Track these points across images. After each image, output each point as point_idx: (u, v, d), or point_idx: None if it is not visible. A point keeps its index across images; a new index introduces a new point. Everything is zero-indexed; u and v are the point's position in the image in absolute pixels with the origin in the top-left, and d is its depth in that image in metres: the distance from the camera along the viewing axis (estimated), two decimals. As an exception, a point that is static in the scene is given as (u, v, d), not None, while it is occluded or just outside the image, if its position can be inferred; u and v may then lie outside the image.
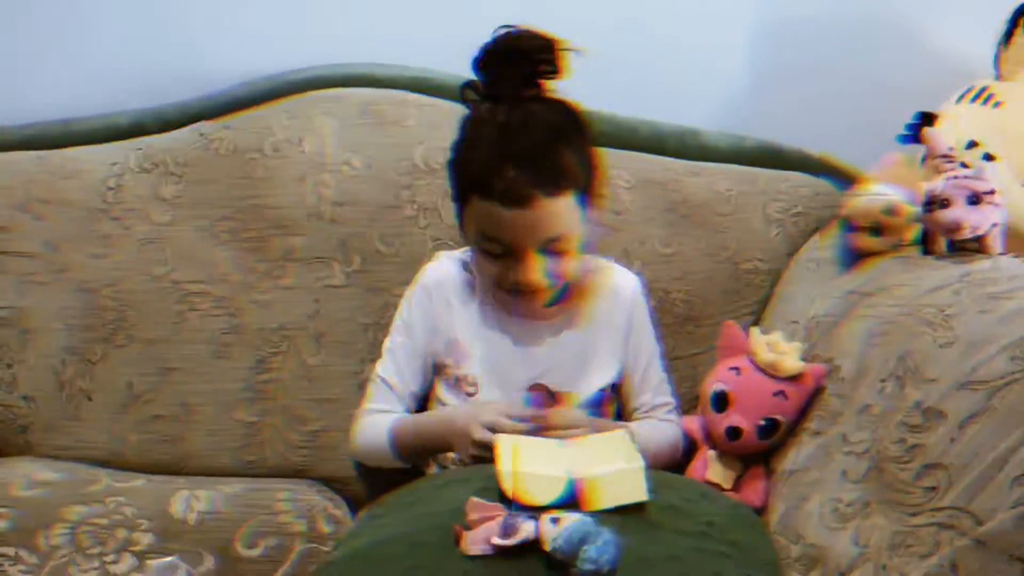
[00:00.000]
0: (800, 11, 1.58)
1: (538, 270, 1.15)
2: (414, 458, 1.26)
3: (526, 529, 0.87)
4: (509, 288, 1.18)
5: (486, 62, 1.13)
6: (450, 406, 1.25)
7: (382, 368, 1.28)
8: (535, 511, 0.90)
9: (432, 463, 1.27)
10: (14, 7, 1.57)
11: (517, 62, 1.12)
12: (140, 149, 1.49)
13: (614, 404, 1.30)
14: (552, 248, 1.15)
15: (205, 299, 1.44)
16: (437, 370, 1.28)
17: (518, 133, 1.11)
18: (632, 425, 1.25)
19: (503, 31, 1.13)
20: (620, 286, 1.29)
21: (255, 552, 1.20)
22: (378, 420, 1.26)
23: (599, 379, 1.27)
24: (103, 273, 1.44)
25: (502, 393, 1.23)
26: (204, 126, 1.50)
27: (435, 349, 1.27)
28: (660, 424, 1.28)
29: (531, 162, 1.10)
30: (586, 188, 1.17)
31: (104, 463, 1.40)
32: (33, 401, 1.42)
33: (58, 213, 1.46)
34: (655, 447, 1.22)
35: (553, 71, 1.14)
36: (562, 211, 1.13)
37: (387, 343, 1.30)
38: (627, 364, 1.29)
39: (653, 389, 1.29)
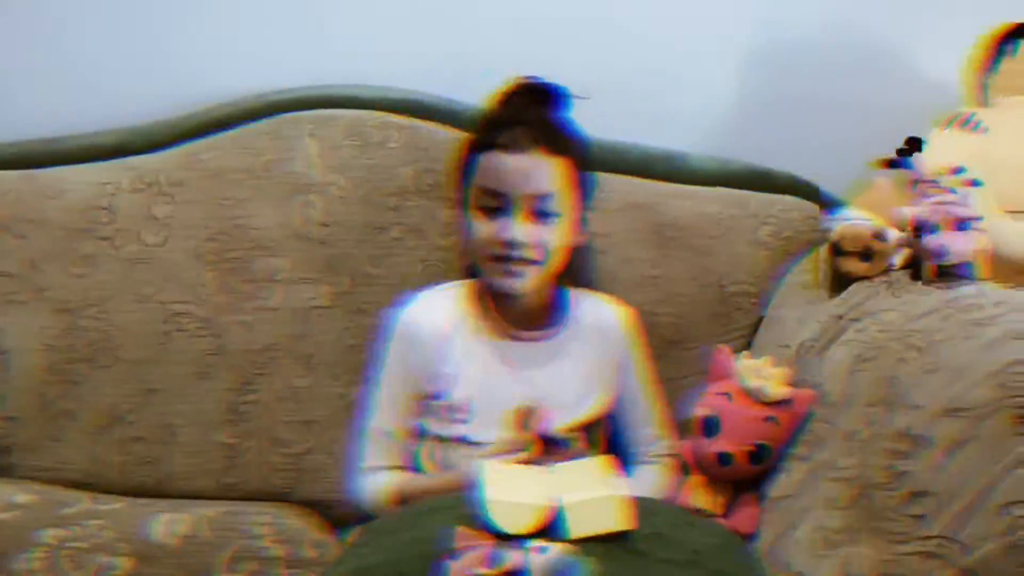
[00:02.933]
0: (788, 37, 1.59)
1: (529, 231, 1.19)
2: None
3: (513, 559, 0.86)
4: (501, 252, 1.20)
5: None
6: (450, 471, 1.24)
7: (377, 420, 1.28)
8: (522, 541, 0.89)
9: None
10: None
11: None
12: (133, 169, 1.48)
13: (604, 433, 1.30)
14: (544, 208, 1.19)
15: (190, 320, 1.43)
16: (424, 402, 1.27)
17: (524, 110, 1.23)
18: (632, 483, 1.21)
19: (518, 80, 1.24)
20: (613, 320, 1.31)
21: (237, 577, 1.19)
22: (383, 483, 1.26)
23: (589, 410, 1.27)
24: (84, 293, 1.43)
25: (491, 414, 1.23)
26: (194, 146, 1.49)
27: (421, 388, 1.26)
28: (657, 468, 1.28)
29: (535, 125, 1.21)
30: (581, 170, 1.24)
31: (85, 484, 1.39)
32: (15, 421, 1.41)
33: (41, 232, 1.45)
34: (660, 492, 1.23)
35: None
36: (557, 170, 1.21)
37: (375, 395, 1.28)
38: (624, 399, 1.31)
39: (653, 422, 1.32)
